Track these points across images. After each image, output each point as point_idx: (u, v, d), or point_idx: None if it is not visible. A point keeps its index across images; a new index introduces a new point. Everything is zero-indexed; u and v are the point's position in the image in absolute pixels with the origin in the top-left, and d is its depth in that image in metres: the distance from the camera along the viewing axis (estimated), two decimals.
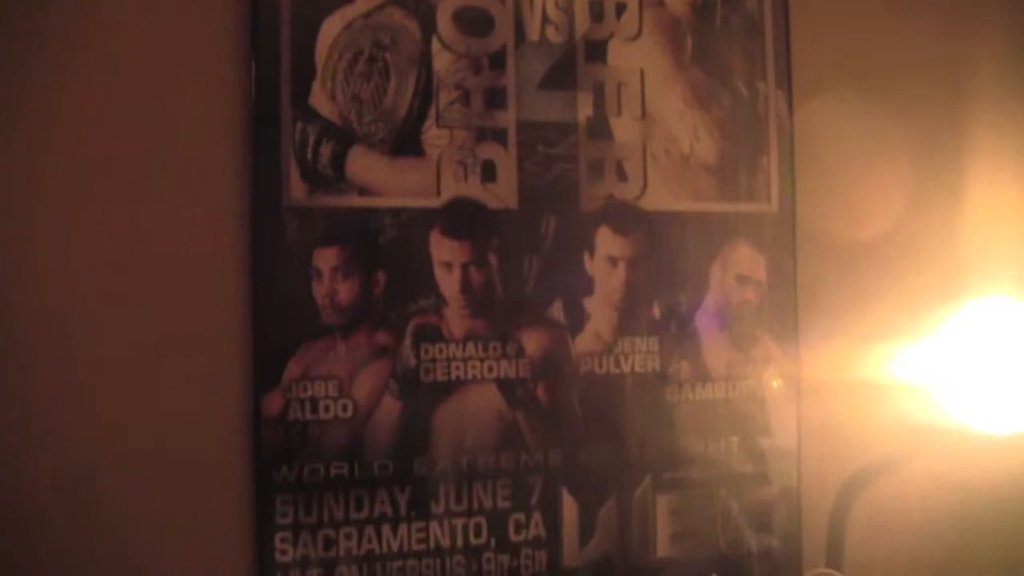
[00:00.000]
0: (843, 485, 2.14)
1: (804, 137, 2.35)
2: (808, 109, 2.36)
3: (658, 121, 2.25)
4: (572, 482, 2.17)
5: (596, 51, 2.21)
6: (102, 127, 1.93)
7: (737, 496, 2.30)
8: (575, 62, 2.19)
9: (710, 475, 2.28)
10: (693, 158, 2.26)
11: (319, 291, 2.00)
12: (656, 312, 2.24)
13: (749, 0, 2.32)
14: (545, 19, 2.17)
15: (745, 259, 2.31)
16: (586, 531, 2.18)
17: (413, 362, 2.05)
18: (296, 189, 1.99)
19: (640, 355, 2.23)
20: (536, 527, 2.15)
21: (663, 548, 2.24)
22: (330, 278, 2.00)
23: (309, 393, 2.01)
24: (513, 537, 2.14)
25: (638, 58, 2.23)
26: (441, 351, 2.08)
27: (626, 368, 2.22)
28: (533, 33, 2.16)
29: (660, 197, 2.24)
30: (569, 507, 2.18)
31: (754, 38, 2.33)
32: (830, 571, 2.07)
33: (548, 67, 2.16)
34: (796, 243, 2.34)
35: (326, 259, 2.01)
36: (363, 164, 2.03)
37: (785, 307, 2.34)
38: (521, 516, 2.15)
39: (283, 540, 2.01)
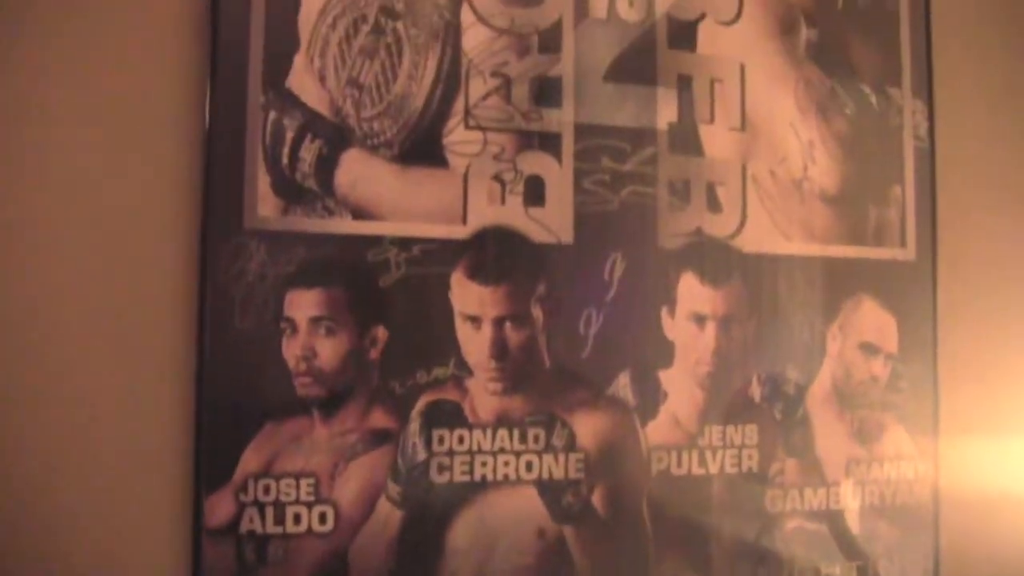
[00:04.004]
0: None
1: (949, 162, 2.14)
2: (954, 125, 2.16)
3: (762, 133, 2.02)
4: None
5: (682, 35, 1.98)
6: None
7: None
8: (654, 48, 1.96)
9: None
10: (807, 184, 2.03)
11: (292, 350, 1.76)
12: (755, 391, 2.00)
13: None
14: None
15: (872, 321, 2.08)
16: None
17: (422, 455, 1.82)
18: (264, 205, 1.76)
19: (733, 449, 1.98)
20: None
21: None
22: (308, 333, 1.77)
23: (272, 495, 1.74)
24: None
25: (737, 47, 2.01)
26: (462, 440, 1.83)
27: (713, 467, 1.97)
28: (599, 6, 1.92)
29: (763, 235, 2.01)
30: None
31: (886, 29, 2.11)
32: None
33: (618, 53, 1.94)
34: (937, 302, 2.12)
35: (303, 306, 1.77)
36: (360, 174, 1.80)
37: (922, 387, 2.10)
38: None
39: None
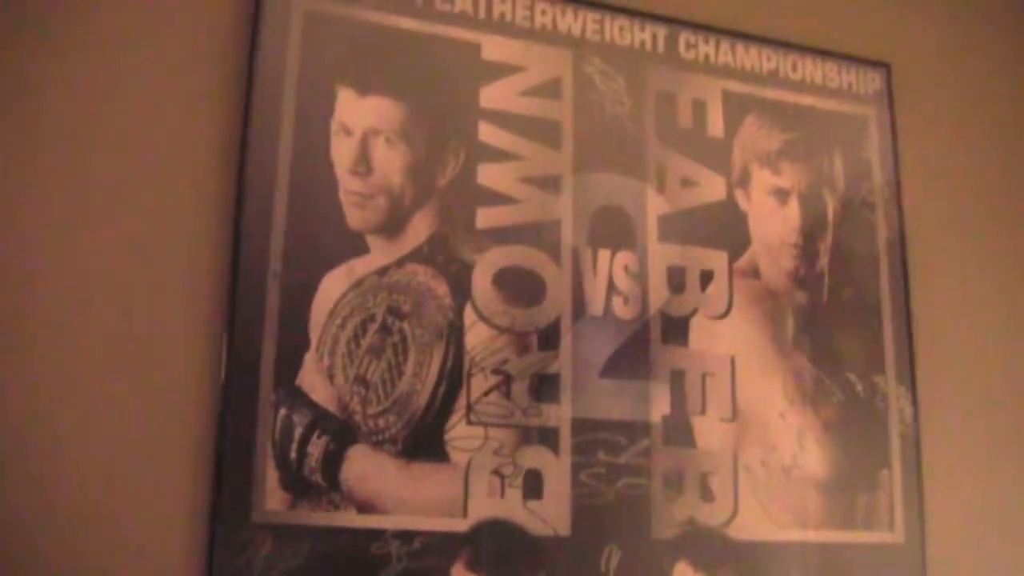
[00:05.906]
0: None
1: (933, 445, 2.15)
2: (937, 409, 2.18)
3: (753, 423, 2.02)
4: None
5: (675, 331, 2.00)
6: None
7: None
8: (648, 344, 1.98)
9: None
10: (797, 471, 2.02)
11: None
12: None
13: (862, 273, 2.16)
14: (611, 288, 1.97)
15: None
16: None
17: None
18: (272, 499, 1.71)
19: None
20: None
21: None
22: None
23: None
24: None
25: (728, 341, 2.03)
26: None
27: None
28: (595, 305, 1.95)
29: (755, 523, 1.98)
30: None
31: (870, 319, 2.14)
32: None
33: (613, 349, 1.95)
34: None
35: None
36: (365, 469, 1.77)
37: None
38: None
39: None
